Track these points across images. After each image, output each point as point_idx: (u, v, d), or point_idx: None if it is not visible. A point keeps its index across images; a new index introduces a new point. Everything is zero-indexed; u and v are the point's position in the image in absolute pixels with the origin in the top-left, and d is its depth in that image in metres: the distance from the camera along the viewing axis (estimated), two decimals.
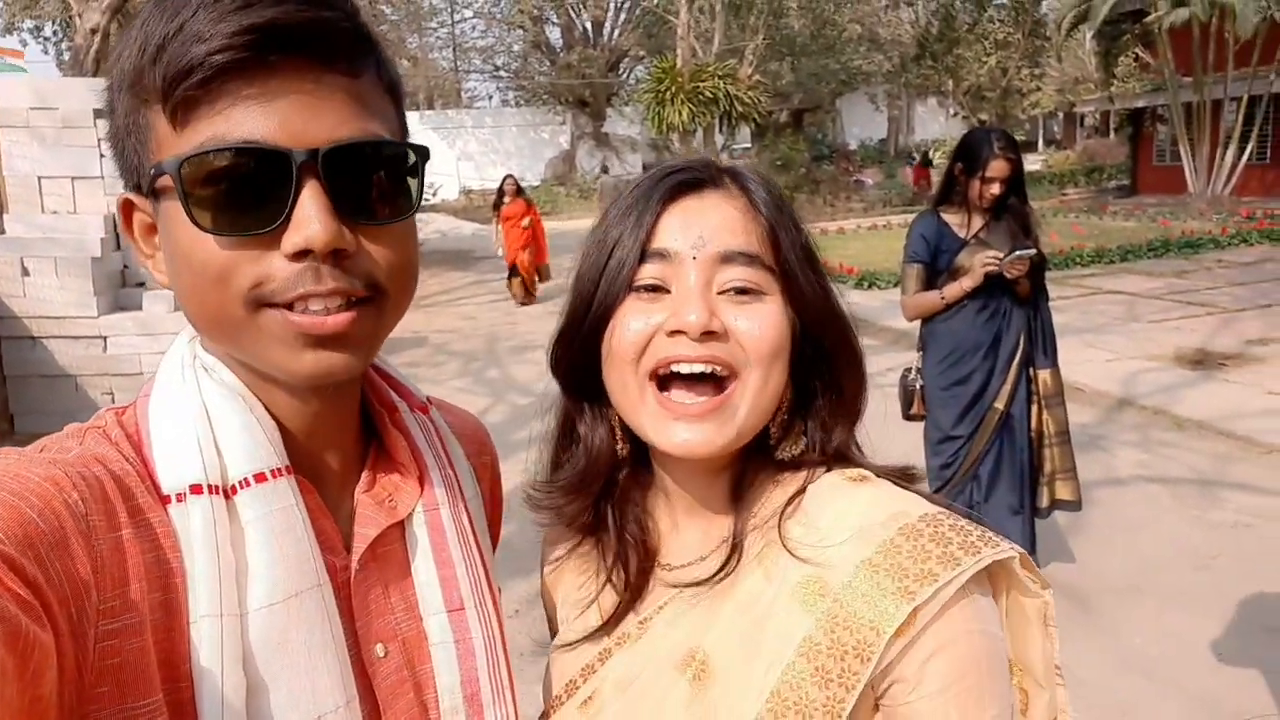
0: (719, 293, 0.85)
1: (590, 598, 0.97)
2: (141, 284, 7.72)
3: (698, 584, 0.88)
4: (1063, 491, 3.88)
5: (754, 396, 0.85)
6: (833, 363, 0.91)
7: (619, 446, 0.93)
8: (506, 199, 12.64)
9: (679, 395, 0.84)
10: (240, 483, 0.72)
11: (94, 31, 10.14)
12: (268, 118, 0.67)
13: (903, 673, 0.78)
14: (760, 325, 0.84)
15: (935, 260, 3.75)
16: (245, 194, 0.68)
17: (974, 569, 0.78)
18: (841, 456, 0.91)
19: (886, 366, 8.04)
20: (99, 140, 7.04)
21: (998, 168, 3.53)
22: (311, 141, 0.68)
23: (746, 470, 0.91)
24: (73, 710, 0.60)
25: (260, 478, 0.73)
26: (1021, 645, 0.85)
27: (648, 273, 0.86)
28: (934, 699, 0.77)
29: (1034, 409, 3.83)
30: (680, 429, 0.84)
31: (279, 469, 0.74)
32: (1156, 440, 6.08)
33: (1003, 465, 3.76)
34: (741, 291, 0.85)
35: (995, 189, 3.57)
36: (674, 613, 0.89)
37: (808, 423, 0.91)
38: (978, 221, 3.70)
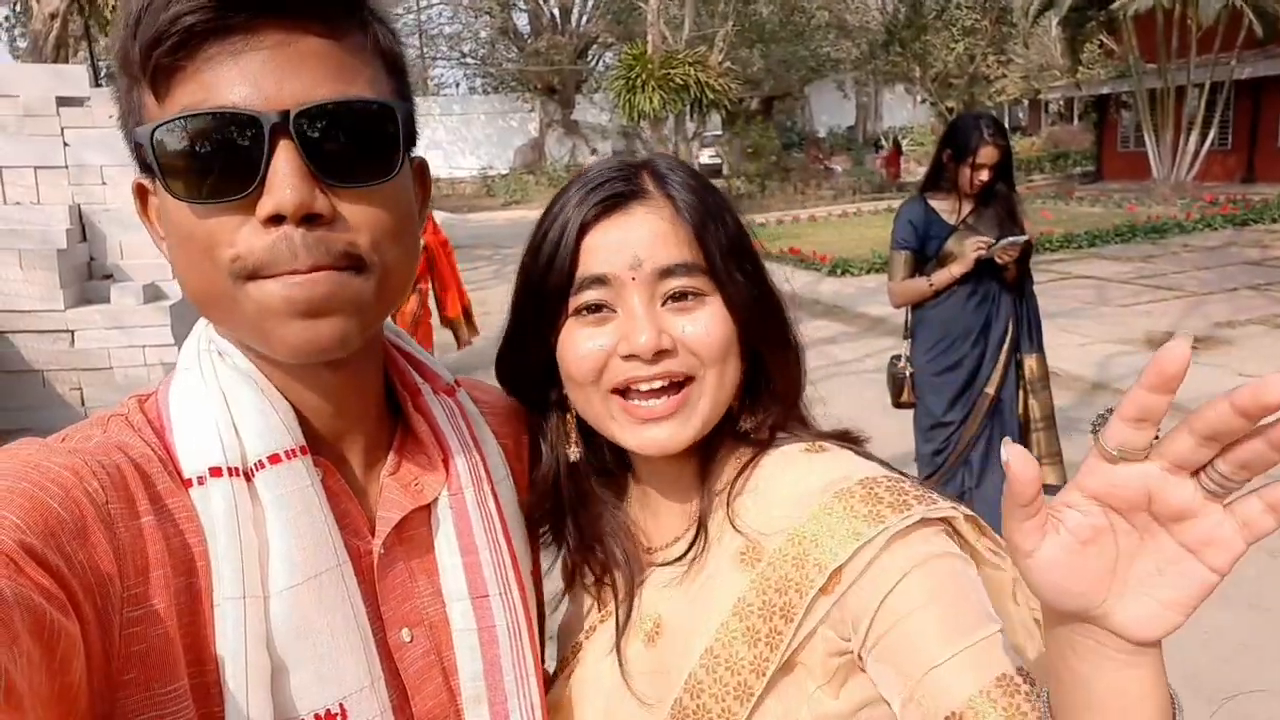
0: (662, 303, 0.89)
1: (587, 591, 1.03)
2: (109, 276, 7.55)
3: (669, 564, 0.95)
4: (1049, 476, 3.91)
5: (712, 393, 0.90)
6: (771, 348, 0.95)
7: (573, 451, 0.98)
8: None
9: (641, 401, 0.89)
10: (257, 464, 0.72)
11: (53, 16, 9.88)
12: (240, 81, 0.66)
13: (859, 613, 0.80)
14: (707, 328, 0.89)
15: (924, 247, 3.76)
16: (219, 161, 0.66)
17: (900, 525, 0.80)
18: (788, 426, 0.96)
19: (865, 353, 8.15)
20: (62, 129, 6.87)
21: (987, 154, 3.54)
22: (284, 103, 0.66)
23: (711, 449, 0.95)
24: (104, 697, 0.61)
25: (275, 459, 0.73)
26: (1008, 627, 0.85)
27: (590, 296, 0.89)
28: (915, 616, 0.78)
29: (1021, 394, 3.86)
30: (649, 430, 0.89)
31: (293, 450, 0.74)
32: None
33: (994, 450, 3.79)
34: (683, 296, 0.89)
35: (984, 175, 3.58)
36: (648, 587, 0.96)
37: (759, 398, 0.96)
38: (966, 207, 3.72)
